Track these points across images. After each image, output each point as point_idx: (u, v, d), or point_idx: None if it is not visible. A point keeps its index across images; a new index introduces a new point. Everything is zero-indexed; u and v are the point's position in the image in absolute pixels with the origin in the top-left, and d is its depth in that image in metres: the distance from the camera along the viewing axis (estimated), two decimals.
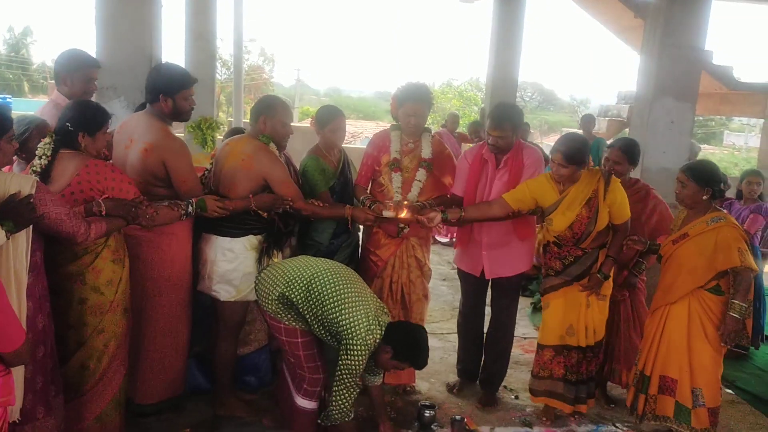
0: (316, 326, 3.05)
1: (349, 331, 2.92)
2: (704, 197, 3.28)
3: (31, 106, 15.84)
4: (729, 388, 4.37)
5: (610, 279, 3.56)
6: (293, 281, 3.05)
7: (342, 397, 2.98)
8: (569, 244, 3.52)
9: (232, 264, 3.30)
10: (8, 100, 14.11)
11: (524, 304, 5.58)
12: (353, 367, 2.92)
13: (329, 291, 2.99)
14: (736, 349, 4.28)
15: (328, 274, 3.05)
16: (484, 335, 4.01)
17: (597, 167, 3.62)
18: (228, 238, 3.29)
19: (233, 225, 3.27)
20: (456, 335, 4.18)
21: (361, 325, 2.92)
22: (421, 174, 3.72)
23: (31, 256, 2.36)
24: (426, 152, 3.74)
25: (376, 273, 3.76)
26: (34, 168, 2.69)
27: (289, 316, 3.08)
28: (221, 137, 5.07)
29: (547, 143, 16.52)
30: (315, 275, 3.05)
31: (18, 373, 2.33)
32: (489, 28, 7.62)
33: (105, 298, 2.83)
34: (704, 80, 5.72)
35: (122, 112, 3.72)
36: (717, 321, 3.25)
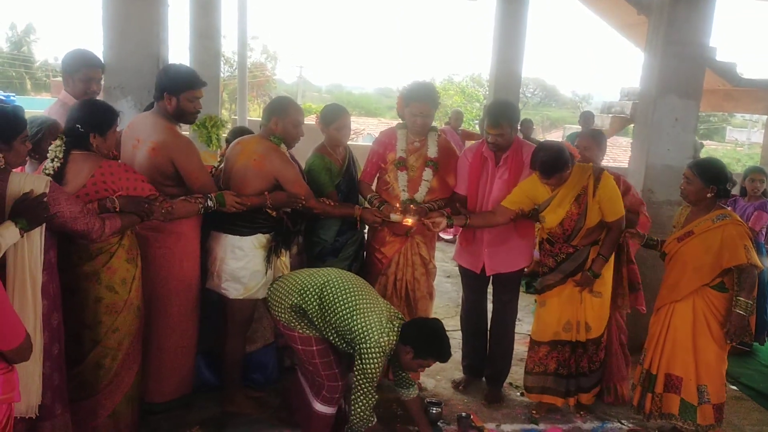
0: (330, 334, 3.05)
1: (362, 335, 2.91)
2: (709, 195, 3.29)
3: (33, 104, 15.85)
4: (734, 385, 4.39)
5: (608, 277, 3.59)
6: (306, 290, 3.06)
7: (361, 404, 2.96)
8: (560, 241, 3.56)
9: (241, 262, 3.32)
10: (12, 97, 14.07)
11: (529, 301, 5.60)
12: (369, 371, 2.91)
13: (341, 297, 2.99)
14: (739, 346, 4.31)
15: (340, 281, 3.07)
16: (488, 331, 4.04)
17: (590, 163, 3.64)
18: (237, 236, 3.31)
19: (242, 223, 3.30)
20: (460, 332, 4.20)
21: (374, 329, 2.91)
22: (427, 173, 3.74)
23: (45, 254, 2.39)
24: (432, 151, 3.76)
25: (381, 270, 3.78)
26: (47, 171, 2.70)
27: (303, 324, 3.08)
28: (225, 135, 5.07)
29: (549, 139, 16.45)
30: (326, 283, 3.06)
31: (36, 370, 2.37)
32: (492, 23, 7.61)
33: (119, 297, 2.85)
34: (708, 77, 5.71)
35: (129, 111, 3.73)
36: (721, 318, 3.27)
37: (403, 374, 3.19)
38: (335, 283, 3.05)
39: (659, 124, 4.65)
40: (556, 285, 3.60)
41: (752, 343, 4.83)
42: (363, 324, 2.92)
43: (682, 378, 3.37)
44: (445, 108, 22.72)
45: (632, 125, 9.20)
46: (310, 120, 7.08)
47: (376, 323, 2.92)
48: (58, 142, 2.75)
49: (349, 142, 3.92)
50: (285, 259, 3.54)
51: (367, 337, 2.90)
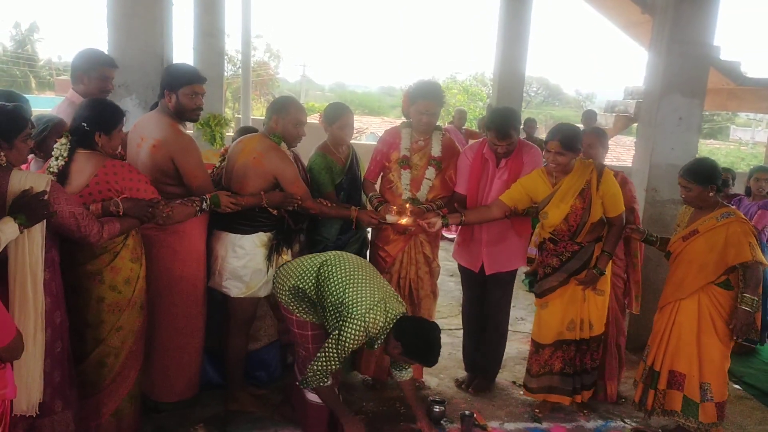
0: (327, 314, 3.06)
1: (350, 307, 2.91)
2: (710, 194, 3.30)
3: (37, 103, 15.87)
4: (737, 384, 4.39)
5: (608, 275, 3.60)
6: (305, 270, 3.11)
7: (320, 364, 2.94)
8: (565, 239, 3.54)
9: (242, 260, 3.33)
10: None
11: (532, 299, 5.60)
12: (343, 339, 2.89)
13: (336, 273, 3.03)
14: (745, 343, 4.31)
15: (338, 259, 3.11)
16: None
17: (590, 160, 3.65)
18: (238, 235, 3.32)
19: (244, 222, 3.31)
20: (463, 331, 4.21)
21: (363, 303, 2.91)
22: (430, 172, 3.74)
23: (46, 252, 2.39)
24: (436, 150, 3.76)
25: (385, 269, 3.78)
26: (51, 169, 2.70)
27: (301, 308, 3.12)
28: (231, 134, 5.08)
29: None
30: (324, 262, 3.10)
31: (36, 368, 2.37)
32: (496, 22, 7.61)
33: (123, 297, 2.85)
34: (712, 76, 5.70)
35: (134, 110, 3.75)
36: (726, 316, 3.28)
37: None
38: (333, 260, 3.10)
39: (663, 123, 4.65)
40: (558, 287, 3.59)
41: (757, 340, 4.82)
42: (354, 296, 2.93)
43: (686, 375, 3.37)
44: (448, 107, 22.68)
45: (636, 124, 9.18)
46: (313, 119, 7.09)
47: (368, 298, 2.93)
48: (63, 140, 2.75)
49: (352, 141, 3.92)
50: (287, 258, 3.54)
51: (353, 309, 2.90)
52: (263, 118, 3.75)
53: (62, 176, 2.70)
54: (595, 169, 3.48)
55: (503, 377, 4.18)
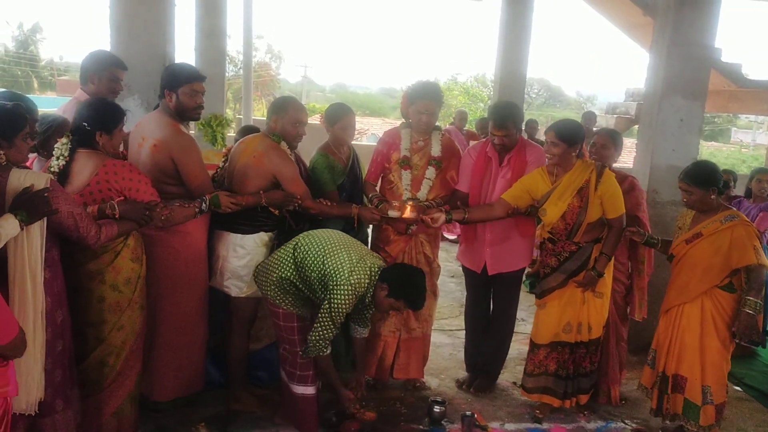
0: (316, 292, 3.09)
1: (333, 275, 2.98)
2: (712, 197, 3.30)
3: (39, 103, 15.85)
4: (737, 386, 4.39)
5: (608, 277, 3.59)
6: (282, 261, 3.15)
7: (318, 334, 3.02)
8: (563, 239, 3.55)
9: (243, 260, 3.34)
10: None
11: (532, 300, 5.60)
12: (335, 305, 2.96)
13: (311, 251, 3.08)
14: (748, 344, 4.30)
15: (307, 238, 3.16)
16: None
17: (592, 160, 3.65)
18: (240, 235, 3.33)
19: (245, 222, 3.32)
20: (464, 332, 4.22)
21: (344, 267, 2.98)
22: (430, 172, 3.75)
23: (47, 251, 2.39)
24: (435, 150, 3.77)
25: None
26: (52, 168, 2.71)
27: (288, 300, 3.15)
28: (232, 135, 5.08)
29: None
30: (296, 245, 3.15)
31: (36, 367, 2.37)
32: (497, 24, 7.62)
33: (124, 296, 2.86)
34: (713, 78, 5.71)
35: (136, 110, 3.76)
36: (728, 318, 3.28)
37: (366, 314, 3.26)
38: (303, 241, 3.15)
39: (664, 124, 4.66)
40: (557, 287, 3.60)
41: (759, 342, 4.81)
42: (333, 264, 3.00)
43: (687, 378, 3.37)
44: (449, 108, 22.72)
45: (637, 126, 9.19)
46: (315, 120, 7.09)
47: (347, 261, 3.00)
48: (64, 140, 2.76)
49: (353, 142, 3.93)
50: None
51: (336, 276, 2.97)
52: (263, 118, 3.75)
53: (63, 176, 2.71)
54: (595, 169, 3.48)
55: (504, 378, 4.19)
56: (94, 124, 2.75)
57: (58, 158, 2.73)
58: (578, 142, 3.50)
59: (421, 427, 3.54)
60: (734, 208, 3.46)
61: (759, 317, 3.24)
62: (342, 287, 2.95)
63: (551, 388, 3.66)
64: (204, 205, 3.09)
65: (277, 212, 3.39)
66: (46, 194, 2.30)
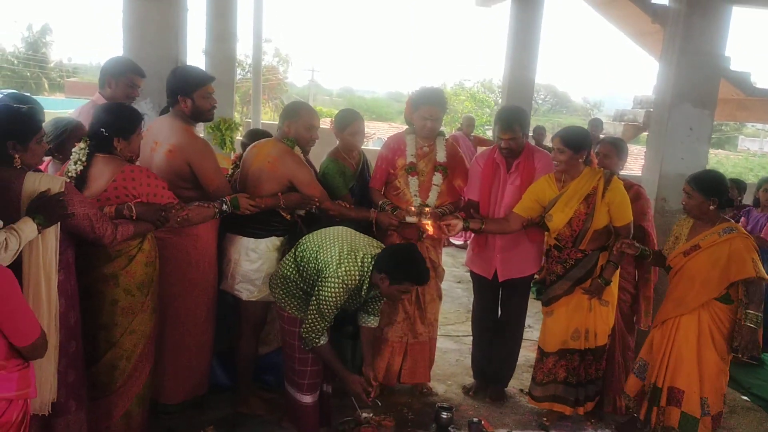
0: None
1: (323, 270, 2.96)
2: (711, 207, 3.26)
3: (48, 105, 15.97)
4: (744, 395, 4.38)
5: (614, 285, 3.58)
6: (286, 260, 3.16)
7: (308, 326, 2.99)
8: (569, 245, 3.55)
9: (255, 264, 3.36)
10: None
11: (538, 307, 5.60)
12: (322, 298, 2.93)
13: (308, 248, 3.07)
14: (748, 360, 4.28)
15: (308, 237, 3.15)
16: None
17: (600, 168, 3.65)
18: (252, 239, 3.35)
19: (258, 226, 3.33)
20: (471, 338, 4.22)
21: (333, 261, 2.95)
22: (437, 178, 3.77)
23: (61, 253, 2.42)
24: (441, 156, 3.79)
25: None
26: (69, 173, 2.71)
27: (292, 304, 3.15)
28: (239, 138, 5.10)
29: None
30: (298, 244, 3.15)
31: (50, 368, 2.40)
32: (506, 30, 7.63)
33: (136, 300, 2.87)
34: (722, 86, 5.69)
35: (149, 114, 3.78)
36: (725, 330, 3.26)
37: (376, 304, 3.22)
38: (304, 240, 3.14)
39: (673, 133, 4.66)
40: (564, 295, 3.59)
41: (760, 356, 4.80)
42: (324, 259, 2.98)
43: (684, 391, 3.34)
44: (456, 113, 22.72)
45: (645, 133, 9.18)
46: (323, 124, 7.10)
47: (336, 255, 2.96)
48: (81, 144, 2.76)
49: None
50: None
51: (325, 270, 2.95)
52: (271, 122, 3.77)
53: (80, 180, 2.72)
54: (603, 177, 3.48)
55: (511, 385, 4.18)
56: (112, 130, 2.76)
57: (75, 163, 2.74)
58: (585, 148, 3.50)
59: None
60: (741, 217, 3.44)
61: (759, 331, 3.22)
62: (330, 280, 2.92)
63: (561, 396, 3.66)
64: (225, 206, 3.11)
65: (289, 217, 3.40)
66: (62, 198, 2.32)
